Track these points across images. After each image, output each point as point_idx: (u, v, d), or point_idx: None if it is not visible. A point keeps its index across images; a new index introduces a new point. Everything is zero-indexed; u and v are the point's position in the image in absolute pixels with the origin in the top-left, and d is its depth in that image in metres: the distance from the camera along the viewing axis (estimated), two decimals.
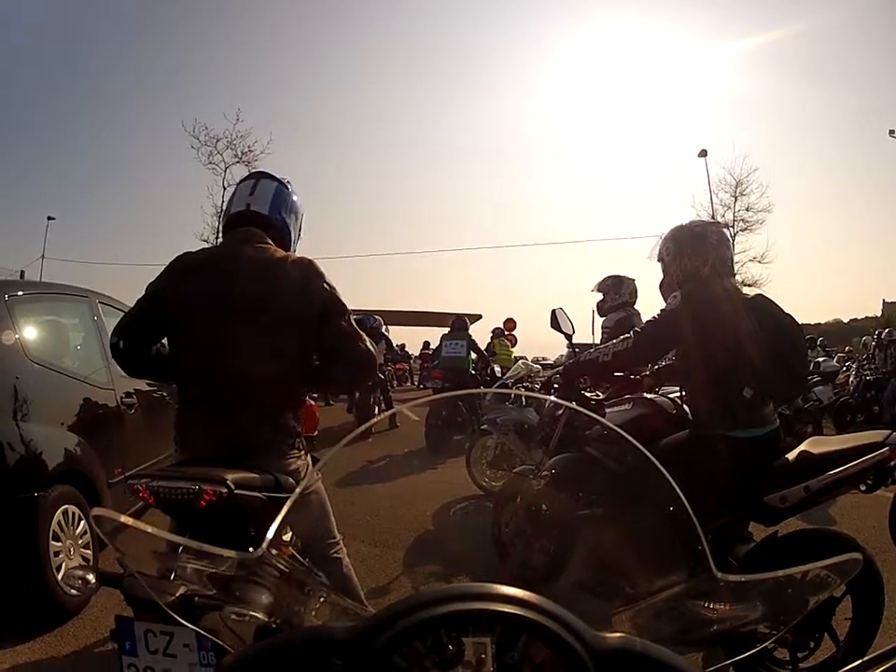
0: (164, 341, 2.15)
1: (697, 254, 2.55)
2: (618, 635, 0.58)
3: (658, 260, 2.73)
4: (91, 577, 1.42)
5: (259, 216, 2.15)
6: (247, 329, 1.95)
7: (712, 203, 21.06)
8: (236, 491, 1.63)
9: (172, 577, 0.81)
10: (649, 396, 2.90)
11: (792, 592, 0.71)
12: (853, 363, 11.02)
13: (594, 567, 2.47)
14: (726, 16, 58.79)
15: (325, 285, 2.02)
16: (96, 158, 44.35)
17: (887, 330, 10.48)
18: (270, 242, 2.10)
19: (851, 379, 10.03)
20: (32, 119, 47.04)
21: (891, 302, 31.41)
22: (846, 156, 50.80)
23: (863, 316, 31.03)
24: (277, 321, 1.96)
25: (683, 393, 2.79)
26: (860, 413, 9.84)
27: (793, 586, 0.71)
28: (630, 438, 0.83)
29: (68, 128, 43.97)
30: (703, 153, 21.93)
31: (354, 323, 2.06)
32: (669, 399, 2.81)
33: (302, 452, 2.06)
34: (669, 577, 0.90)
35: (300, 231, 2.30)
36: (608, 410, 2.81)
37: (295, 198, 2.26)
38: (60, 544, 3.16)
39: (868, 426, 9.49)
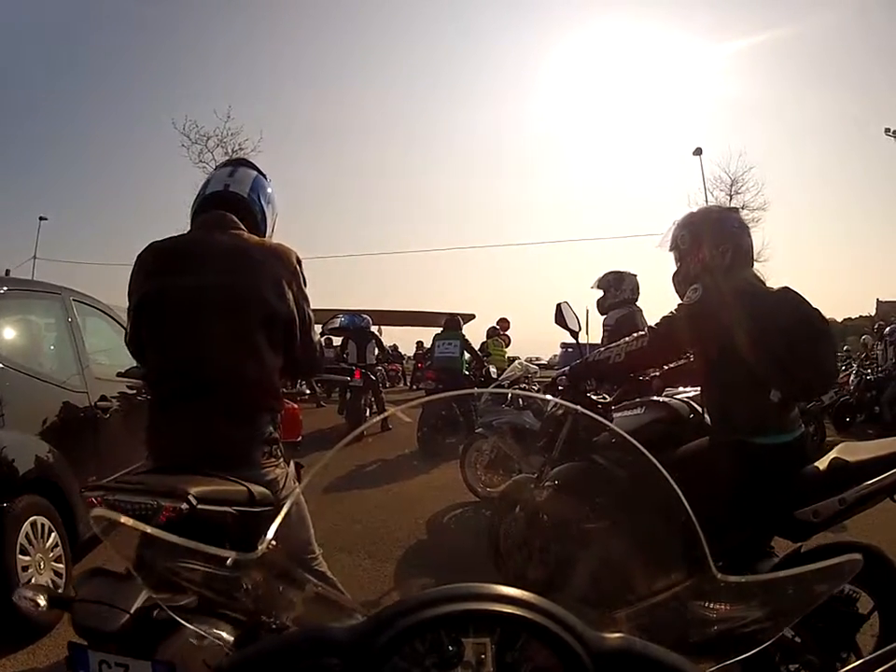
0: None
1: (717, 242, 2.35)
2: (618, 635, 0.58)
3: (671, 249, 2.53)
4: (41, 599, 1.25)
5: (238, 197, 1.98)
6: (219, 323, 1.78)
7: (707, 201, 20.92)
8: (200, 506, 1.48)
9: (172, 577, 0.75)
10: (662, 399, 2.71)
11: (794, 592, 0.71)
12: (853, 362, 10.90)
13: (602, 583, 2.28)
14: (722, 17, 59.30)
15: (297, 287, 1.90)
16: (88, 158, 44.51)
17: (889, 328, 10.39)
18: (243, 227, 1.92)
19: (851, 378, 9.89)
20: (24, 120, 46.98)
21: (886, 301, 31.45)
22: (841, 155, 51.23)
23: (857, 315, 31.11)
24: (251, 315, 1.79)
25: (695, 394, 2.62)
26: (860, 414, 9.73)
27: (794, 587, 0.71)
28: (635, 442, 0.83)
29: (60, 129, 43.95)
30: (698, 151, 21.82)
31: (315, 329, 1.98)
32: (684, 402, 2.62)
33: (281, 460, 1.90)
34: (670, 579, 0.88)
35: (273, 230, 2.14)
36: (616, 415, 2.62)
37: (271, 192, 2.11)
38: (28, 558, 2.99)
39: (868, 426, 9.50)
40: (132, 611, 1.15)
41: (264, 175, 2.10)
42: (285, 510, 0.80)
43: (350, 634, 0.56)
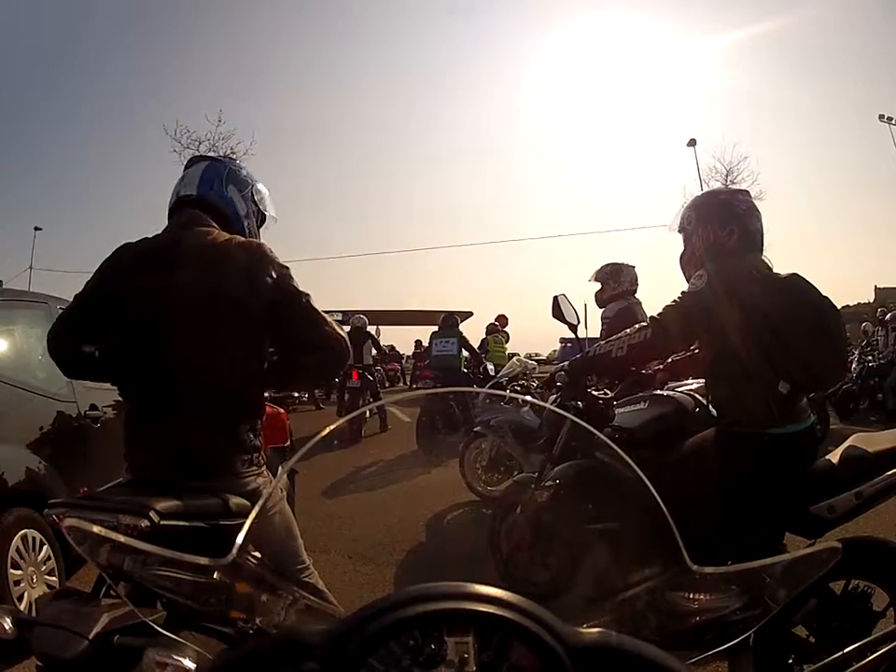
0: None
1: (723, 223, 2.26)
2: (594, 630, 0.59)
3: (679, 231, 2.44)
4: (6, 623, 1.17)
5: (189, 198, 1.90)
6: (190, 325, 1.70)
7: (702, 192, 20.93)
8: (164, 522, 1.43)
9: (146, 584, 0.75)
10: (665, 392, 2.61)
11: (772, 582, 0.71)
12: (854, 350, 10.84)
13: (606, 583, 2.21)
14: (713, 10, 59.14)
15: (273, 272, 1.75)
16: (82, 167, 44.39)
17: (890, 314, 10.38)
18: (213, 224, 1.83)
19: (854, 366, 9.82)
20: (18, 130, 46.87)
21: (884, 288, 31.47)
22: (836, 143, 51.23)
23: (856, 303, 31.03)
24: (223, 315, 1.70)
25: (698, 387, 2.54)
26: (862, 401, 9.68)
27: (772, 576, 0.71)
28: (610, 442, 0.88)
29: (54, 138, 43.76)
30: (692, 142, 21.83)
31: (314, 306, 1.79)
32: (688, 394, 2.53)
33: (263, 468, 1.82)
34: (651, 572, 0.86)
35: (257, 204, 2.01)
36: (619, 410, 2.52)
37: (241, 171, 2.00)
38: (20, 572, 2.95)
39: (871, 413, 9.46)
40: (90, 637, 1.07)
41: (218, 160, 2.01)
42: (253, 513, 0.80)
43: (324, 637, 0.57)
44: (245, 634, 0.72)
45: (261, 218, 2.07)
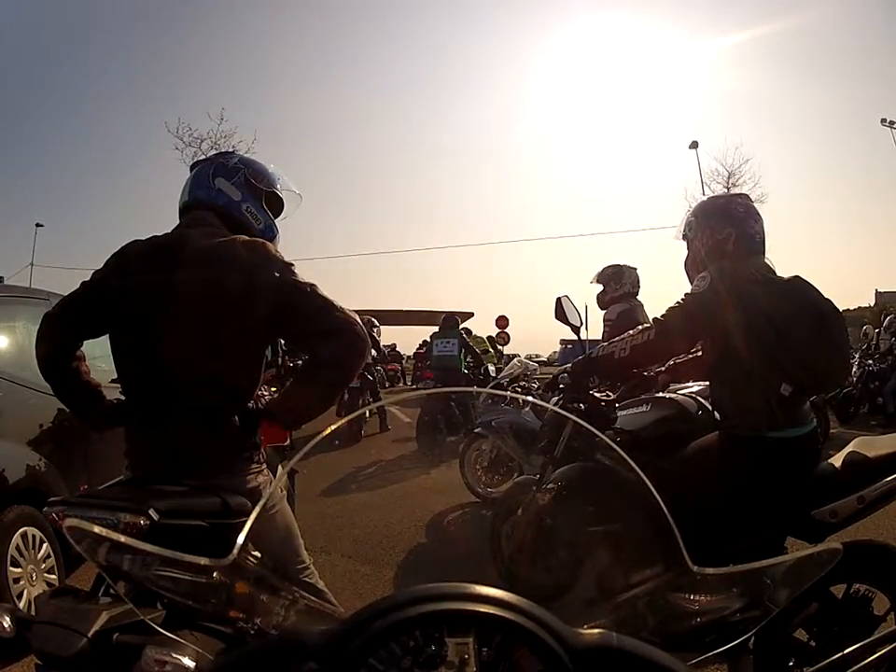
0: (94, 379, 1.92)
1: (721, 226, 2.27)
2: (595, 631, 0.59)
3: (682, 238, 2.45)
4: (6, 621, 1.16)
5: (186, 205, 1.92)
6: (190, 324, 1.69)
7: (704, 194, 20.90)
8: (163, 521, 1.42)
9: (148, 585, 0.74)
10: (667, 395, 2.61)
11: (772, 583, 0.72)
12: (855, 353, 10.81)
13: (607, 586, 2.20)
14: (715, 12, 59.14)
15: (276, 270, 1.72)
16: (85, 164, 44.46)
17: (888, 318, 10.40)
18: (216, 223, 1.83)
19: (854, 370, 9.78)
20: (18, 125, 46.90)
21: (885, 292, 31.45)
22: (837, 147, 51.25)
23: (856, 307, 30.94)
24: (224, 313, 1.69)
25: (700, 390, 2.54)
26: (863, 405, 9.65)
27: (773, 577, 0.72)
28: (613, 444, 0.87)
29: (56, 135, 43.77)
30: (694, 145, 21.81)
31: (321, 294, 1.73)
32: (691, 397, 2.53)
33: (263, 467, 1.81)
34: (652, 574, 0.87)
35: (257, 184, 1.96)
36: (621, 412, 2.52)
37: (229, 161, 1.96)
38: (20, 570, 2.94)
39: (871, 417, 9.44)
40: (89, 635, 1.07)
41: (203, 161, 2.01)
42: (255, 513, 0.80)
43: (324, 637, 0.56)
44: (245, 634, 0.71)
45: (269, 197, 2.01)
